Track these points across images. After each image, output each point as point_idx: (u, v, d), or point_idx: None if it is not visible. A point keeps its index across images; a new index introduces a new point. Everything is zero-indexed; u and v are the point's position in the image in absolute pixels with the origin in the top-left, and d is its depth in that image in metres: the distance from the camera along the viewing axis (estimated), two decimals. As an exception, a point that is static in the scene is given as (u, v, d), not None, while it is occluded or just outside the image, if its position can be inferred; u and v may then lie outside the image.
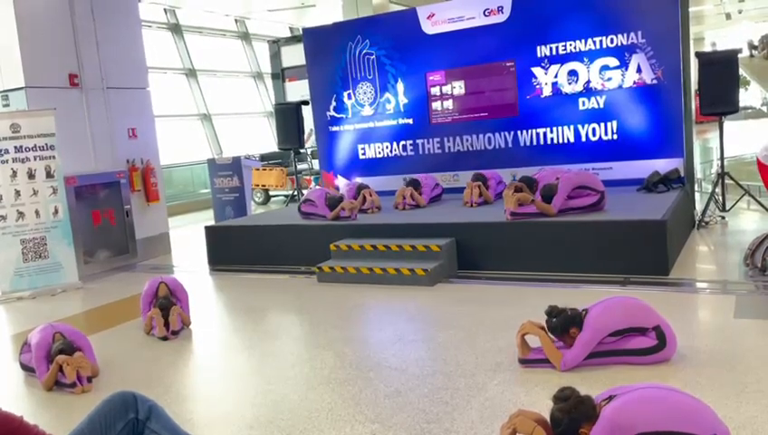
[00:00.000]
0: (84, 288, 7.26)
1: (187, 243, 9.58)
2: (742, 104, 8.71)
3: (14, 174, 6.99)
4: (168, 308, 5.15)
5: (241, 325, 5.61)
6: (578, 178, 6.24)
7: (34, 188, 7.06)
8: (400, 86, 8.93)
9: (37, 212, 7.07)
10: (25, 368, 4.50)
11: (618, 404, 2.47)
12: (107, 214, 8.21)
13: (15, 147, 6.97)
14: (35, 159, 7.06)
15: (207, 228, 8.01)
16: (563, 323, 3.77)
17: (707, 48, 28.24)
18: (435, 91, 8.71)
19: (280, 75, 16.01)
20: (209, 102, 16.34)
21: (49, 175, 7.13)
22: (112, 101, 8.50)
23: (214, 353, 4.88)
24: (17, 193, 7.00)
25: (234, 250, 7.61)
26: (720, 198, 7.81)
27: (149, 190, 8.79)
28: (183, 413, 3.61)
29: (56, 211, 7.16)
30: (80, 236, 7.62)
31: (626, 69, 7.51)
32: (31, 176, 7.05)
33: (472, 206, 7.28)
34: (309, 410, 3.53)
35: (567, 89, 7.87)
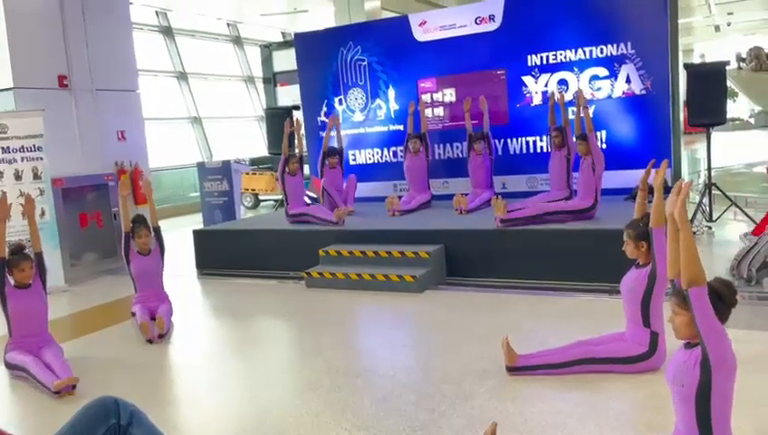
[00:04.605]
0: (70, 291, 7.20)
1: (175, 246, 9.51)
2: (729, 116, 8.80)
3: (1, 175, 6.92)
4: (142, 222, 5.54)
5: (228, 330, 5.58)
6: (600, 173, 6.22)
7: (21, 189, 6.98)
8: (391, 93, 8.94)
9: (23, 214, 6.99)
10: (11, 366, 4.46)
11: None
12: (94, 216, 8.14)
13: (2, 148, 6.91)
14: (22, 160, 7.00)
15: (196, 232, 7.97)
16: (645, 233, 3.68)
17: (696, 60, 28.53)
18: (426, 98, 8.72)
19: (271, 80, 15.99)
20: (200, 106, 16.29)
21: (36, 176, 7.07)
22: (101, 102, 8.46)
23: (200, 358, 4.84)
24: (3, 194, 6.91)
25: (222, 254, 7.57)
26: (707, 208, 7.88)
27: (138, 193, 8.74)
28: (169, 419, 3.58)
29: (43, 213, 7.08)
30: (66, 239, 7.56)
31: (615, 79, 7.57)
32: (18, 177, 6.99)
33: (461, 213, 7.29)
34: (295, 417, 3.51)
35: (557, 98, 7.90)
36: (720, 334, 2.46)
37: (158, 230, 5.69)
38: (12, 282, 4.54)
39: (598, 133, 7.70)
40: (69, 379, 4.09)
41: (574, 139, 6.62)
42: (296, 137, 8.07)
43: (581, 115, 6.35)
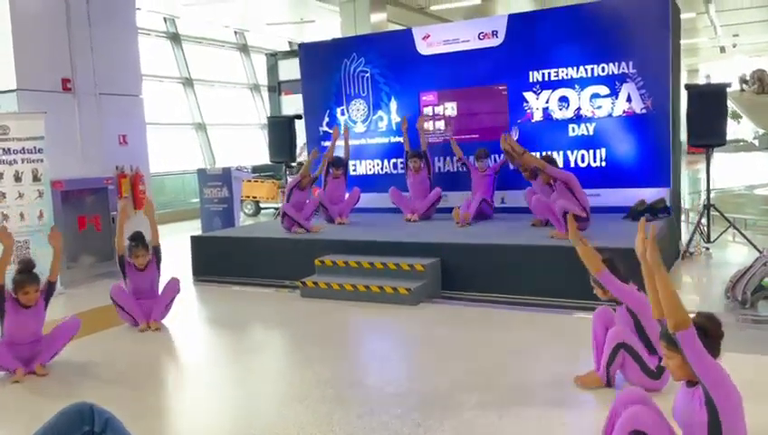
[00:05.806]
0: (66, 293, 7.20)
1: (173, 252, 9.51)
2: (734, 137, 8.80)
3: (1, 176, 6.93)
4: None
5: (221, 338, 5.57)
6: (578, 189, 6.22)
7: (20, 190, 7.00)
8: (393, 105, 8.97)
9: (22, 215, 7.01)
10: None
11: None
12: (93, 219, 8.15)
13: (3, 149, 6.93)
14: (23, 162, 7.02)
15: (193, 238, 7.97)
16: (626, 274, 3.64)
17: (702, 80, 28.59)
18: (427, 111, 8.74)
19: (276, 88, 16.06)
20: (204, 112, 16.36)
21: (36, 178, 7.09)
22: (104, 107, 8.49)
23: (192, 366, 4.84)
24: (2, 195, 6.94)
25: (218, 261, 7.57)
26: (705, 229, 7.86)
27: (137, 198, 8.75)
28: (156, 426, 3.57)
29: (41, 215, 7.10)
30: (64, 241, 7.52)
31: (616, 98, 7.58)
32: (17, 179, 6.99)
33: (462, 225, 7.29)
34: (281, 428, 3.49)
35: (557, 115, 7.92)
36: (717, 372, 2.39)
37: (157, 249, 5.64)
38: (13, 296, 4.48)
39: (598, 151, 7.73)
40: (21, 375, 4.32)
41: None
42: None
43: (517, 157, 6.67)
